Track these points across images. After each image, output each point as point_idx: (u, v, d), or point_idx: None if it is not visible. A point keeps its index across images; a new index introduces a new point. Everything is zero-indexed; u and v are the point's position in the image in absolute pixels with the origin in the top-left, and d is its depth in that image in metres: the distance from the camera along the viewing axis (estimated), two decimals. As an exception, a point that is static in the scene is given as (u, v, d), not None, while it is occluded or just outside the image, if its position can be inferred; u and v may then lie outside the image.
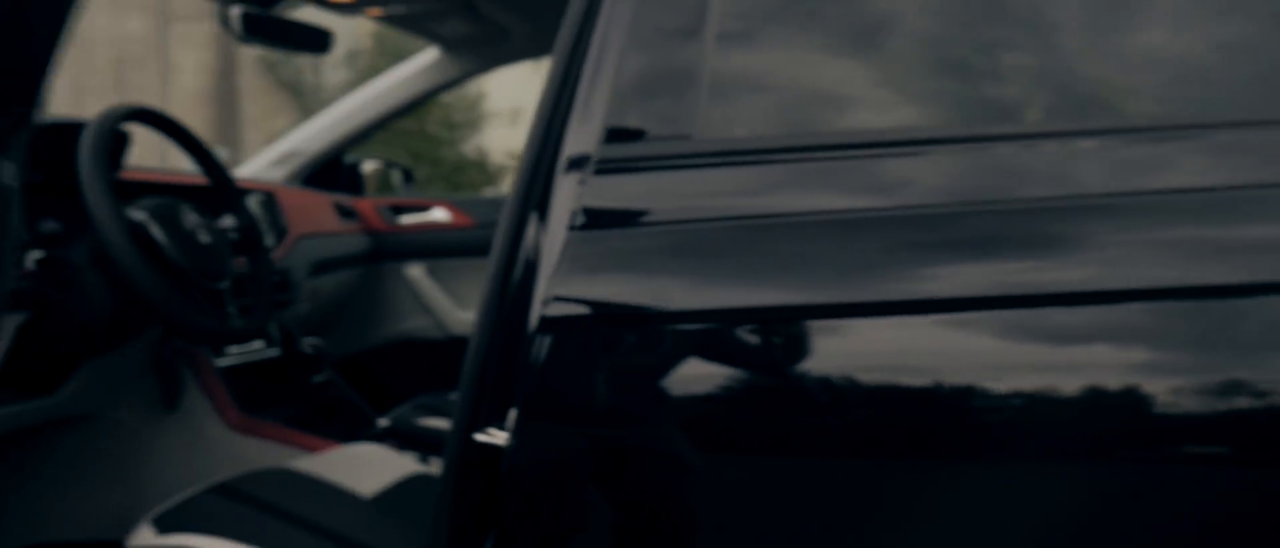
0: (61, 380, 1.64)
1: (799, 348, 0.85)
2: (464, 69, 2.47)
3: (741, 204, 0.90)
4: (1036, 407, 0.78)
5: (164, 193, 1.70)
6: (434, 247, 2.56)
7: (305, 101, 9.79)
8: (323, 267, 2.22)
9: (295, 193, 2.28)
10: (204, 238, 1.55)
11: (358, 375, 2.46)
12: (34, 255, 1.47)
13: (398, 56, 9.51)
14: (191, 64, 9.25)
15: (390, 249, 2.55)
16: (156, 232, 1.48)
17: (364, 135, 2.53)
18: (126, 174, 1.72)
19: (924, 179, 0.87)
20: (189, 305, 1.49)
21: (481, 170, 9.82)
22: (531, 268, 0.94)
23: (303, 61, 9.83)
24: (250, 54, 9.62)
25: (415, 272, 2.55)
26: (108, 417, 1.82)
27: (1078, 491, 0.77)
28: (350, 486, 1.46)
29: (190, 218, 1.55)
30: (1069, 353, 0.78)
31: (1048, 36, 0.94)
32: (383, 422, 1.83)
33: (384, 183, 2.77)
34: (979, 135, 0.88)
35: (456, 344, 2.56)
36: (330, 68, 10.00)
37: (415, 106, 2.55)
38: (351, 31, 10.16)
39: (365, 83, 2.69)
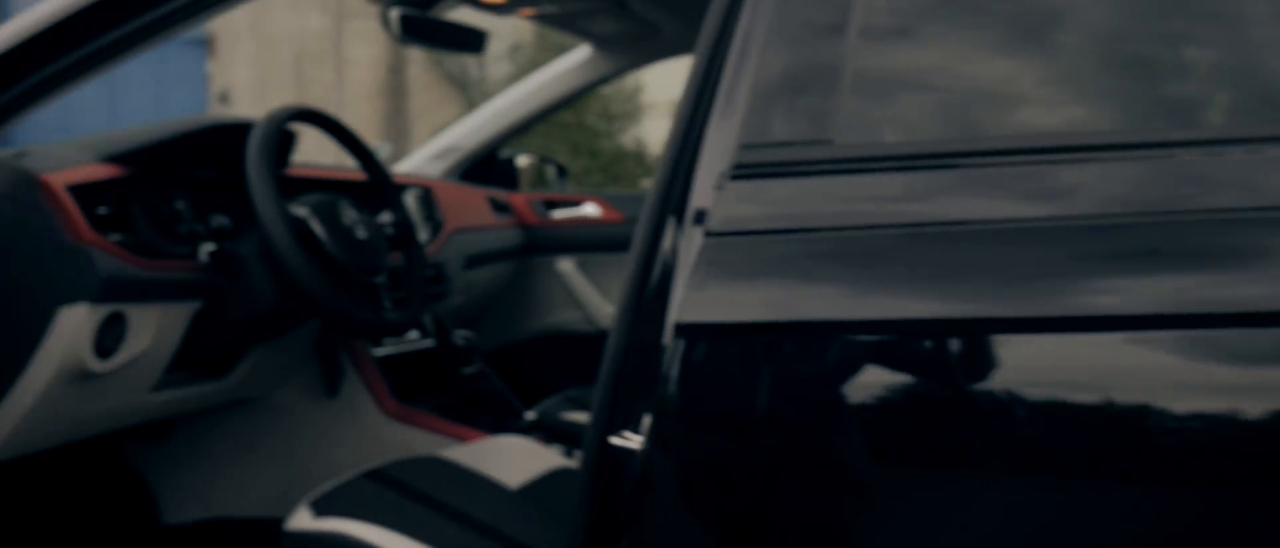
0: (231, 365, 1.71)
1: (948, 362, 0.81)
2: (615, 66, 2.48)
3: (888, 212, 0.86)
4: (1218, 431, 0.72)
5: (326, 189, 1.75)
6: (585, 241, 2.57)
7: (469, 95, 10.04)
8: (476, 260, 2.26)
9: (451, 188, 2.33)
10: (362, 233, 1.59)
11: (507, 367, 2.49)
12: (207, 248, 1.53)
13: (559, 51, 9.65)
14: (365, 59, 9.61)
15: (542, 243, 2.57)
16: (317, 227, 1.53)
17: (520, 130, 2.57)
18: (292, 171, 1.78)
19: (1094, 187, 0.81)
20: (345, 299, 1.53)
21: (639, 162, 9.88)
22: (668, 273, 0.92)
23: (469, 56, 10.07)
24: (419, 50, 9.90)
25: (566, 266, 2.57)
26: (273, 401, 1.89)
27: (1259, 519, 0.71)
28: (496, 477, 1.48)
29: (349, 214, 1.60)
30: (1255, 375, 0.73)
31: (1235, 30, 0.86)
32: (530, 415, 1.85)
33: (538, 178, 2.80)
34: (1156, 140, 0.81)
35: (605, 339, 2.57)
36: (493, 62, 10.22)
37: (570, 102, 2.57)
38: (514, 26, 10.37)
39: (526, 75, 2.72)
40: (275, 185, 1.47)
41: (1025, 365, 0.78)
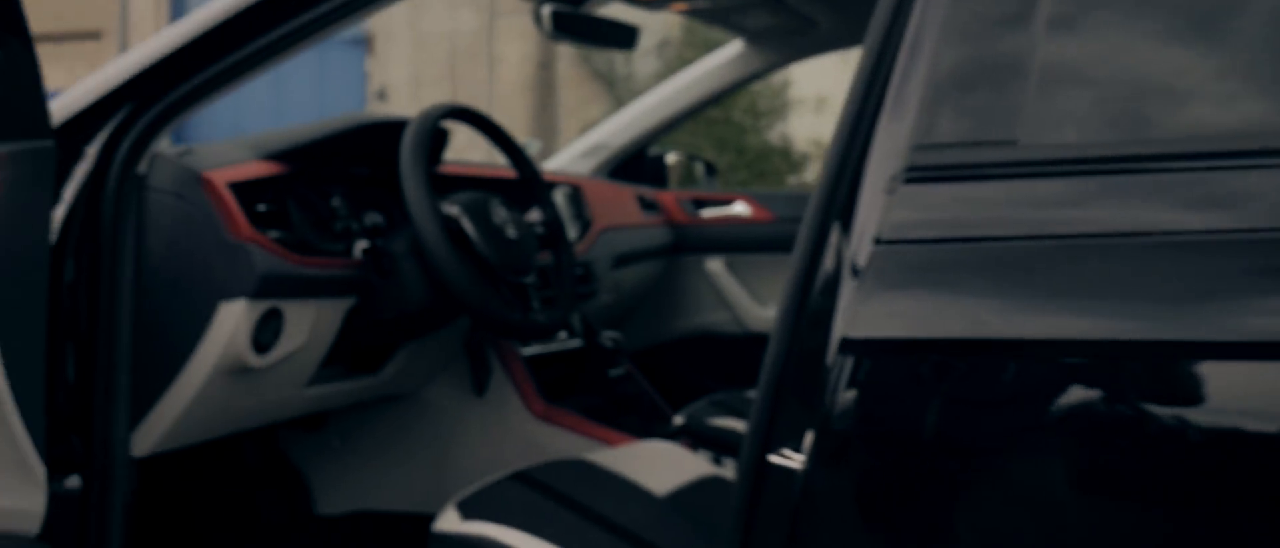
0: (383, 361, 1.72)
1: (1139, 386, 0.73)
2: (768, 61, 2.41)
3: (1079, 219, 0.79)
4: None
5: (477, 187, 1.75)
6: (734, 241, 2.52)
7: (616, 91, 10.09)
8: (624, 259, 2.23)
9: (600, 185, 2.31)
10: (512, 232, 1.58)
11: (654, 367, 2.46)
12: (360, 245, 1.54)
13: (707, 47, 9.62)
14: (515, 56, 9.76)
15: (691, 242, 2.53)
16: (468, 226, 1.52)
17: (669, 128, 2.53)
18: (445, 168, 1.79)
19: None
20: (495, 300, 1.52)
21: (785, 158, 9.76)
22: (833, 283, 0.87)
23: (616, 53, 10.12)
24: (568, 46, 10.00)
25: (715, 265, 2.52)
26: (422, 396, 1.90)
27: None
28: (644, 483, 1.45)
29: (499, 213, 1.59)
30: None
31: None
32: (678, 419, 1.81)
33: (686, 175, 2.76)
34: None
35: (754, 341, 2.51)
36: (640, 58, 10.24)
37: (720, 99, 2.52)
38: (662, 22, 10.37)
39: (674, 73, 2.69)
40: (428, 183, 1.47)
41: (1213, 392, 0.72)
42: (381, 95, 9.25)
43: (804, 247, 0.90)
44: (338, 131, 1.57)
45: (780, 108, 9.84)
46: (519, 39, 9.75)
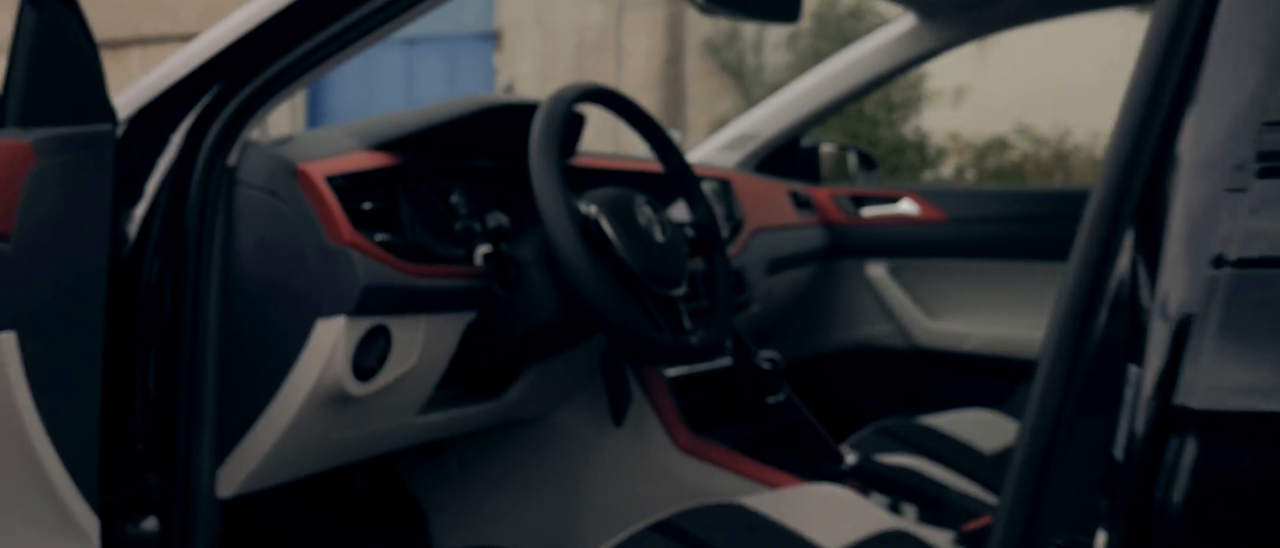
0: (507, 383, 1.48)
1: None
2: (943, 39, 2.09)
3: None
4: None
5: (616, 182, 1.49)
6: (900, 243, 2.20)
7: (746, 84, 9.79)
8: (779, 264, 1.95)
9: (751, 180, 2.02)
10: (660, 236, 1.31)
11: (804, 385, 2.17)
12: (482, 250, 1.30)
13: (840, 38, 9.25)
14: (643, 49, 9.56)
15: (849, 244, 2.23)
16: (608, 228, 1.26)
17: (826, 115, 2.23)
18: (579, 160, 1.53)
19: None
20: (638, 317, 1.25)
21: (920, 153, 9.33)
22: (1134, 318, 0.61)
23: (746, 44, 9.85)
24: (696, 38, 9.78)
25: (877, 271, 2.21)
26: (552, 422, 1.65)
27: None
28: (813, 537, 1.18)
29: (645, 212, 1.32)
30: None
31: None
32: (849, 457, 1.52)
33: (839, 169, 2.45)
34: None
35: (922, 358, 2.19)
36: (771, 50, 9.94)
37: (883, 83, 2.20)
38: (793, 13, 10.02)
39: (806, 65, 2.38)
40: (562, 176, 1.21)
41: None
42: (510, 90, 9.16)
43: (1082, 266, 0.67)
44: (457, 116, 1.33)
45: (914, 100, 9.43)
46: (647, 32, 9.55)
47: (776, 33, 9.83)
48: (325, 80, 10.13)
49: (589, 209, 1.26)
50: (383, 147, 1.26)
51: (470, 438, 1.66)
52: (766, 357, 1.58)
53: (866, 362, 2.25)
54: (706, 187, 1.81)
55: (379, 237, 1.19)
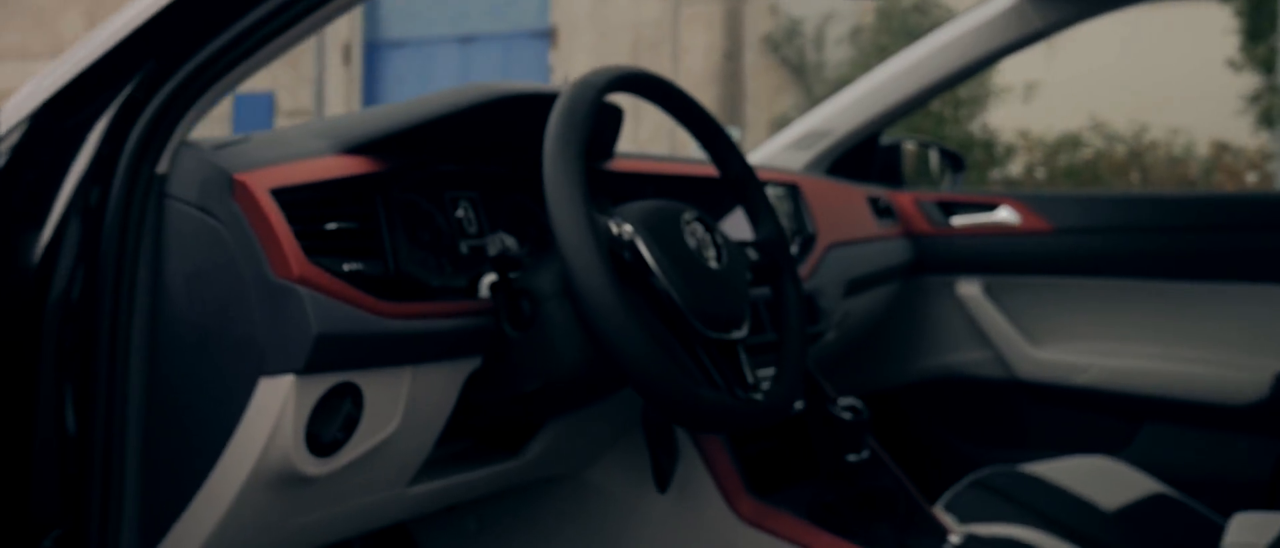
0: (526, 438, 1.18)
1: None
2: (1050, 19, 1.76)
3: None
4: None
5: (658, 191, 1.19)
6: (997, 258, 1.87)
7: (808, 80, 9.44)
8: (857, 285, 1.63)
9: (823, 185, 1.70)
10: (714, 262, 1.01)
11: (885, 418, 1.85)
12: (487, 279, 1.00)
13: (904, 33, 8.86)
14: (701, 46, 9.25)
15: (937, 259, 1.90)
16: (648, 253, 0.95)
17: (910, 108, 1.91)
18: (617, 164, 1.24)
19: None
20: (685, 370, 0.95)
21: (987, 151, 8.92)
22: None
23: (806, 39, 9.54)
24: (756, 33, 9.49)
25: (970, 290, 1.88)
26: (584, 480, 1.36)
27: None
28: None
29: (696, 231, 1.01)
30: None
31: None
32: (954, 538, 1.20)
33: (919, 170, 2.13)
34: None
35: (1021, 391, 1.86)
36: (833, 46, 9.59)
37: (976, 71, 1.87)
38: (856, 8, 9.67)
39: (869, 60, 2.06)
40: (584, 186, 0.91)
41: None
42: (564, 88, 8.92)
43: None
44: (459, 108, 1.03)
45: (982, 97, 9.04)
46: (704, 28, 9.24)
47: (839, 27, 9.50)
48: (377, 80, 9.97)
49: (622, 228, 0.96)
50: (360, 149, 0.97)
51: (493, 500, 1.38)
52: (847, 405, 1.26)
53: (956, 395, 1.92)
54: (772, 194, 1.50)
55: (348, 267, 0.90)
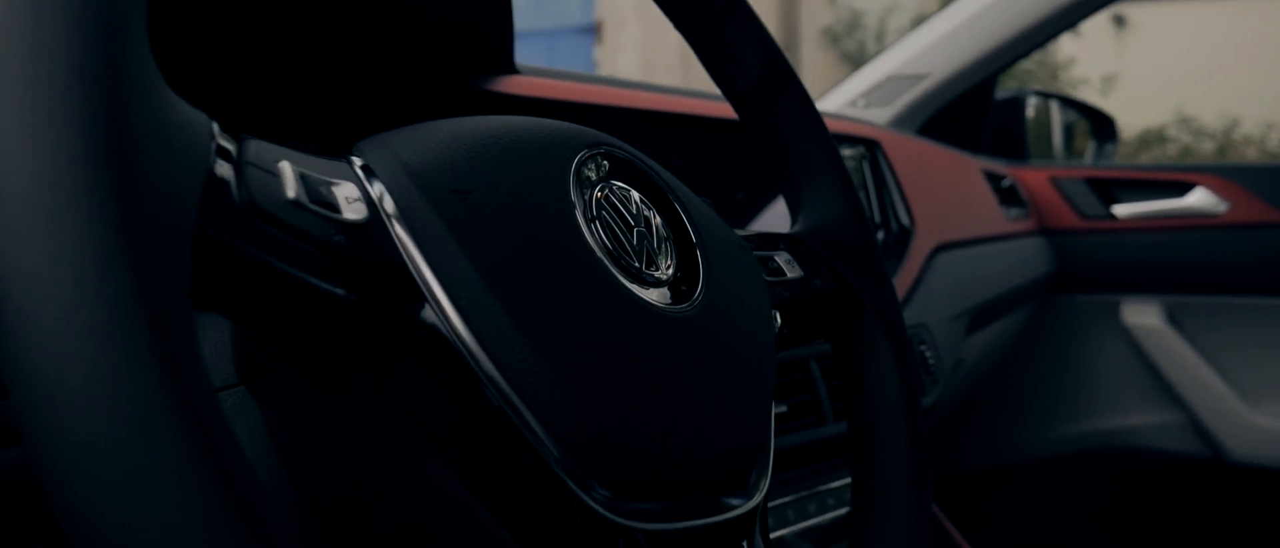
0: None
1: None
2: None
3: None
4: None
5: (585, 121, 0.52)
6: (1185, 267, 1.17)
7: (868, 74, 8.76)
8: (984, 315, 0.95)
9: (921, 149, 1.02)
10: (663, 279, 0.34)
11: (1009, 507, 1.17)
12: None
13: (971, 21, 8.15)
14: (753, 39, 8.62)
15: (1091, 269, 1.21)
16: (427, 265, 0.29)
17: (1030, 46, 1.22)
18: (508, 83, 0.58)
19: None
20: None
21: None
22: None
23: (867, 32, 8.90)
24: (813, 26, 8.88)
25: (1144, 317, 1.19)
26: None
27: None
28: None
29: (611, 194, 0.35)
30: None
31: None
32: None
33: (1044, 139, 1.44)
34: None
35: (1229, 475, 1.16)
36: (894, 37, 8.89)
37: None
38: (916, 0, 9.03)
39: None
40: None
41: None
42: (610, 85, 8.38)
43: None
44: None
45: (1057, 88, 8.30)
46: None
47: (901, 19, 8.82)
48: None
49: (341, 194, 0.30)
50: None
51: None
52: None
53: (1124, 479, 1.23)
54: (848, 153, 0.82)
55: None
